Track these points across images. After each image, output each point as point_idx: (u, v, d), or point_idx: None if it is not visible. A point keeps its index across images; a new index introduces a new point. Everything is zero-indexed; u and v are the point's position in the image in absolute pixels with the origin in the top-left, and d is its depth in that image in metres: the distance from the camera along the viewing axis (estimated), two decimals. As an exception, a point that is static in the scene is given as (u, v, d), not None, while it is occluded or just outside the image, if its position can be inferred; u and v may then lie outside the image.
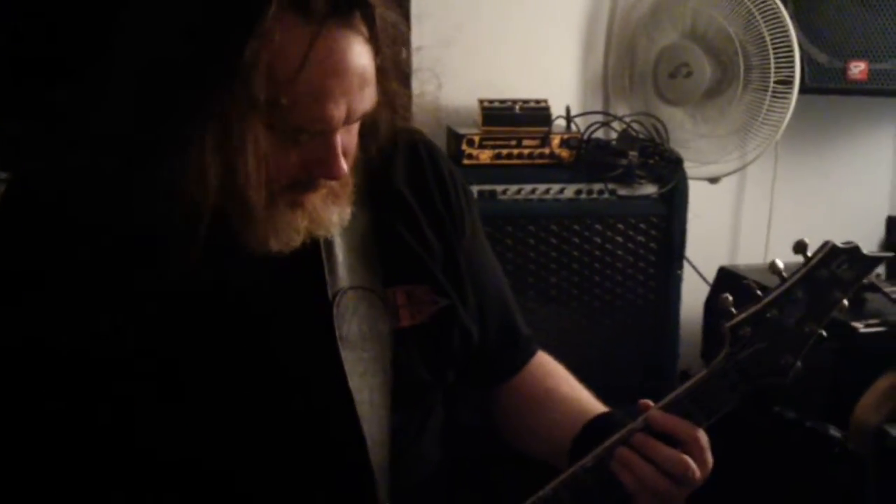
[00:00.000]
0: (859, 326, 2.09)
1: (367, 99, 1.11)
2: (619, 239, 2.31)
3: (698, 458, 1.18)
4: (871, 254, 1.15)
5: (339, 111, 1.07)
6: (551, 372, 1.47)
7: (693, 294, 2.46)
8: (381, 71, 1.13)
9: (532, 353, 1.48)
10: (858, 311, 2.17)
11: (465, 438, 1.46)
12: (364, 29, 1.09)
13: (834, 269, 1.15)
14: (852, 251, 1.15)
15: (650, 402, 1.22)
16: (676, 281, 2.36)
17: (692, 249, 2.39)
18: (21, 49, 1.89)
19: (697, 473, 1.18)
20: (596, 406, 1.37)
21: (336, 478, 1.22)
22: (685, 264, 2.38)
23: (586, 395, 1.41)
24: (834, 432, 2.02)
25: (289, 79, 1.04)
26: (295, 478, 1.21)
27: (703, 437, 1.19)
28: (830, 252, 1.15)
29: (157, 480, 1.20)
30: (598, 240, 2.30)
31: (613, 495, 1.19)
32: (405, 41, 1.20)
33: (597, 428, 1.29)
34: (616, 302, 2.34)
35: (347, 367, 1.20)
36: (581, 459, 1.21)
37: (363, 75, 1.09)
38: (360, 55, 1.08)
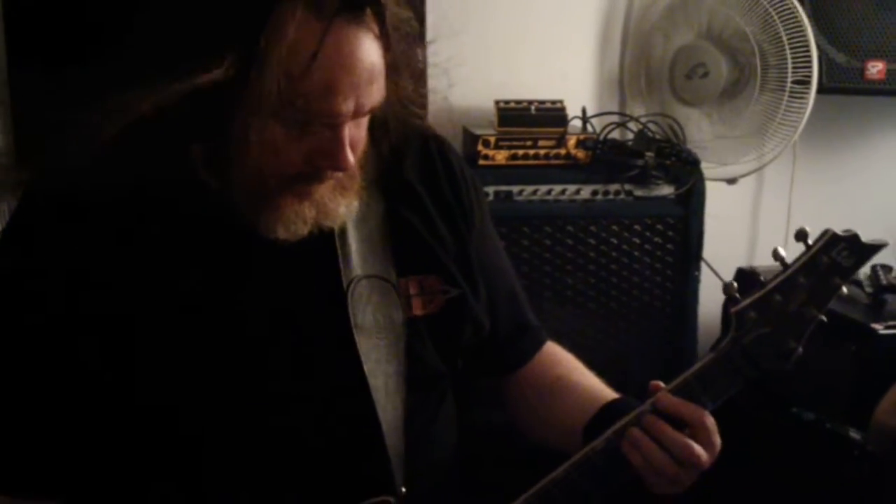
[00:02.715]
0: (879, 328, 2.08)
1: (375, 94, 1.14)
2: (636, 240, 2.30)
3: (704, 440, 1.20)
4: (869, 241, 1.18)
5: (347, 105, 1.11)
6: (561, 360, 1.49)
7: (711, 296, 2.44)
8: (391, 67, 1.17)
9: (542, 343, 1.50)
10: (878, 312, 2.16)
11: (479, 436, 1.46)
12: (374, 26, 1.12)
13: (834, 255, 1.18)
14: (851, 238, 1.18)
15: (661, 384, 1.24)
16: (694, 282, 2.35)
17: (709, 251, 2.38)
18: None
19: (703, 457, 1.19)
20: (607, 393, 1.38)
21: (354, 463, 1.24)
22: (703, 266, 2.37)
23: (597, 383, 1.43)
24: (853, 434, 2.02)
25: (301, 73, 1.07)
26: (312, 463, 1.23)
27: (709, 420, 1.21)
28: (831, 240, 1.19)
29: (171, 460, 1.22)
30: (615, 241, 2.29)
31: (623, 476, 1.22)
32: (418, 40, 1.22)
33: (609, 413, 1.30)
34: (633, 304, 2.33)
35: (363, 353, 1.23)
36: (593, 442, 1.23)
37: (372, 70, 1.12)
38: (369, 51, 1.11)
